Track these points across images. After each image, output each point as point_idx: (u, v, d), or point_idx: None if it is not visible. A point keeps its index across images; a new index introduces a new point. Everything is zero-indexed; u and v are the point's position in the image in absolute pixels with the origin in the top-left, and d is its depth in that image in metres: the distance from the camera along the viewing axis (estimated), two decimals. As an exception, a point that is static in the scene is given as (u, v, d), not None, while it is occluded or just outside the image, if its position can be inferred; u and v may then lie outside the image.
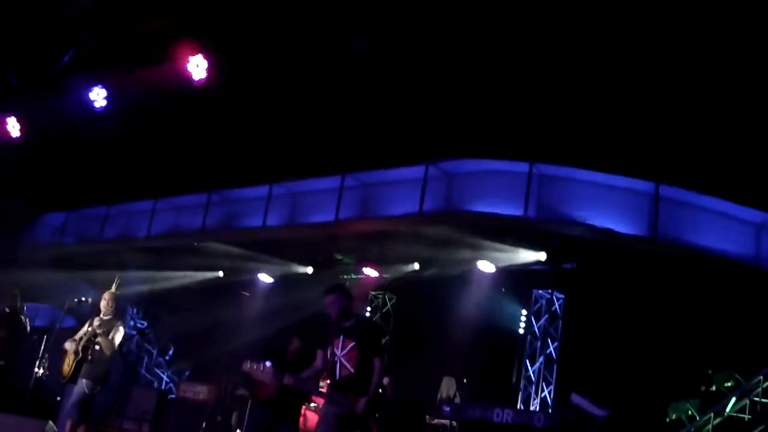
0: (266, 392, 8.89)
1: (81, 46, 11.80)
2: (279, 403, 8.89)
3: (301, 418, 13.34)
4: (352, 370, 6.97)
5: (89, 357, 9.42)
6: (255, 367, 7.36)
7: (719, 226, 11.97)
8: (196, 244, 16.74)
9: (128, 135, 13.98)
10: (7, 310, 13.34)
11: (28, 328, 13.95)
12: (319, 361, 7.35)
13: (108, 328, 9.49)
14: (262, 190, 15.75)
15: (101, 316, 9.63)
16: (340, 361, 7.00)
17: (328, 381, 7.39)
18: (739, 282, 11.73)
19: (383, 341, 7.00)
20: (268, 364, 7.51)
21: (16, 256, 18.86)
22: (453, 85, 11.98)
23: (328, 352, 7.09)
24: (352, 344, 6.98)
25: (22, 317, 13.54)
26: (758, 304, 11.43)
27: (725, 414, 11.54)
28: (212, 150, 14.65)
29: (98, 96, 12.60)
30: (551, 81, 11.36)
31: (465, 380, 14.07)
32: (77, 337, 9.65)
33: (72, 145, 14.72)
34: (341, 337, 7.04)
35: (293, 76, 12.19)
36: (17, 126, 13.57)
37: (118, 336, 9.60)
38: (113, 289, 9.94)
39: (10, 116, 13.51)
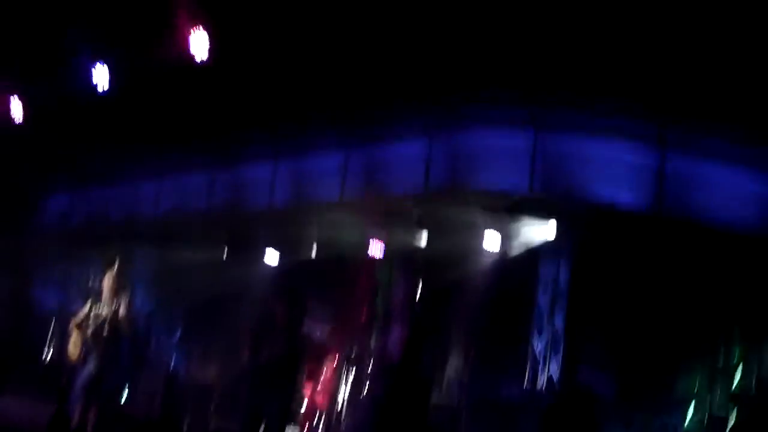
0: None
1: (83, 23, 11.77)
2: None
3: (309, 396, 13.46)
4: (396, 357, 7.15)
5: (98, 341, 9.46)
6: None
7: (725, 197, 11.93)
8: (201, 223, 16.77)
9: (131, 113, 13.97)
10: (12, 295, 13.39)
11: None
12: None
13: (113, 310, 9.51)
14: (266, 169, 15.75)
15: (104, 296, 9.65)
16: (389, 346, 7.22)
17: None
18: (746, 254, 11.70)
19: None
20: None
21: (22, 238, 18.90)
22: (450, 26, 11.65)
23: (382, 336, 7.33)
24: (405, 333, 7.20)
25: (28, 300, 13.58)
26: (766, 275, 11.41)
27: (733, 387, 11.57)
28: (215, 127, 14.62)
29: (102, 77, 12.59)
30: (557, 30, 11.09)
31: (472, 352, 14.10)
32: (81, 316, 9.66)
33: (74, 125, 14.71)
34: (397, 325, 7.27)
35: (293, 48, 12.09)
36: (20, 105, 13.56)
37: (126, 315, 9.62)
38: (114, 268, 9.95)
39: (12, 96, 13.51)
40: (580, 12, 10.72)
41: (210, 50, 11.04)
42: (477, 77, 12.06)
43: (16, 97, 13.46)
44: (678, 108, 11.43)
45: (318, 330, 8.04)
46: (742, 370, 11.62)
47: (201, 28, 10.96)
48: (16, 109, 13.55)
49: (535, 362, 14.61)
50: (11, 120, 13.56)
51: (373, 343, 7.46)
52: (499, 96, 12.32)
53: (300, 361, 9.06)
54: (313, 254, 16.90)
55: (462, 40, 11.53)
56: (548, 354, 14.69)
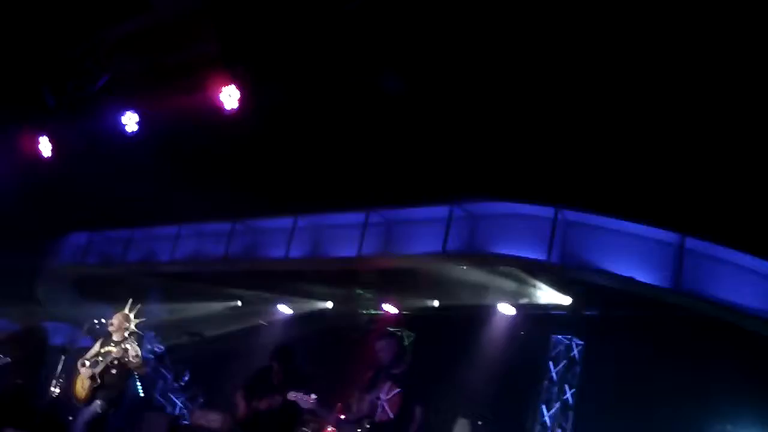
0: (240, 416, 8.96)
1: (117, 71, 11.97)
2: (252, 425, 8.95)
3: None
4: (391, 416, 7.10)
5: (106, 382, 9.45)
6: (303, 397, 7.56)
7: (744, 281, 11.85)
8: (217, 271, 16.80)
9: (156, 160, 14.11)
10: (25, 329, 13.39)
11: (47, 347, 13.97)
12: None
13: (122, 351, 9.51)
14: (286, 222, 15.81)
15: (113, 337, 9.67)
16: (382, 405, 7.10)
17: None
18: (763, 338, 11.58)
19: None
20: (314, 396, 7.71)
21: (38, 273, 18.99)
22: (482, 127, 12.02)
23: (374, 395, 7.22)
24: (397, 391, 7.10)
25: (42, 337, 13.58)
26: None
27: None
28: (238, 179, 14.74)
29: (130, 120, 12.75)
30: (580, 128, 11.36)
31: (480, 423, 13.95)
32: (89, 357, 9.67)
33: (100, 167, 14.86)
34: (388, 382, 7.16)
35: (322, 109, 12.29)
36: (49, 146, 13.72)
37: (136, 358, 9.62)
38: (126, 310, 9.98)
39: (42, 135, 13.68)
40: (594, 129, 11.03)
41: (241, 106, 11.19)
42: (502, 187, 12.47)
43: (46, 137, 13.64)
44: (696, 223, 11.66)
45: (305, 395, 7.97)
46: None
47: (233, 83, 11.12)
48: (45, 147, 13.72)
49: (544, 431, 14.44)
50: (39, 158, 13.73)
51: (376, 405, 7.45)
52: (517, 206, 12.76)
53: (296, 419, 9.03)
54: (328, 308, 16.92)
55: (493, 146, 11.88)
56: (557, 424, 14.53)
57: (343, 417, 8.39)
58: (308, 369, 9.09)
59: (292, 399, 8.05)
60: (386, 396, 7.25)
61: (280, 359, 9.35)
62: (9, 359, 12.24)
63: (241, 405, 9.04)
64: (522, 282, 13.47)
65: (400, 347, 7.47)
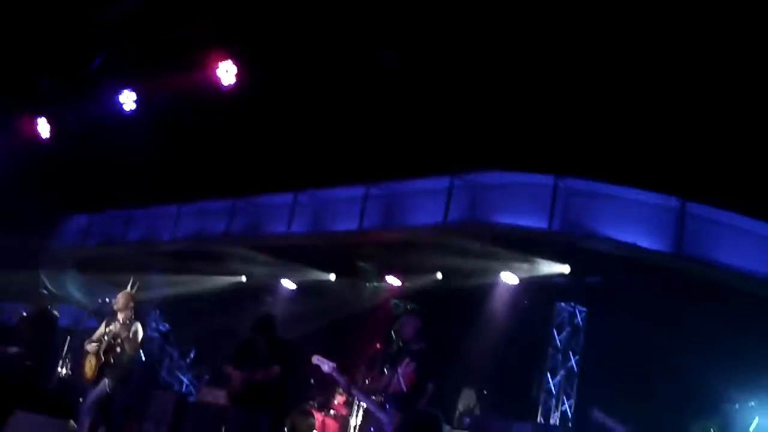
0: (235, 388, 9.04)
1: (113, 50, 11.93)
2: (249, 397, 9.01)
3: (319, 424, 13.41)
4: (404, 389, 7.24)
5: (111, 360, 9.50)
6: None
7: (746, 244, 11.86)
8: (219, 248, 16.82)
9: (155, 138, 14.09)
10: (39, 312, 13.43)
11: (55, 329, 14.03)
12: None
13: (128, 329, 9.56)
14: (286, 198, 15.80)
15: (118, 317, 9.70)
16: (398, 378, 7.28)
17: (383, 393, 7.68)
18: (765, 301, 11.62)
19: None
20: (333, 364, 7.87)
21: (40, 256, 19.02)
22: (480, 97, 12.00)
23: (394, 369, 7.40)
24: (414, 366, 7.27)
25: (51, 319, 13.63)
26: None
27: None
28: (238, 156, 14.72)
29: (128, 99, 12.71)
30: (579, 95, 11.34)
31: (485, 392, 14.03)
32: (95, 338, 9.72)
33: (99, 147, 14.86)
34: (407, 358, 7.33)
35: (320, 84, 12.25)
36: (47, 127, 13.69)
37: (139, 336, 9.68)
38: (129, 289, 10.01)
39: (40, 117, 13.65)
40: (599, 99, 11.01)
41: (238, 82, 11.15)
42: (502, 156, 12.47)
43: (44, 118, 13.60)
44: (696, 188, 11.67)
45: (328, 360, 8.09)
46: (758, 420, 11.45)
47: (230, 59, 11.08)
48: (43, 129, 13.69)
49: (549, 399, 14.52)
50: (37, 140, 13.70)
51: (384, 374, 7.60)
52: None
53: (283, 383, 9.09)
54: (332, 281, 16.95)
55: (492, 114, 11.85)
56: (562, 391, 14.61)
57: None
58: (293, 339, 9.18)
59: (315, 363, 8.18)
60: (402, 370, 7.44)
61: (261, 330, 9.34)
62: (16, 349, 12.31)
63: (236, 377, 9.06)
64: (524, 251, 13.48)
65: (422, 324, 7.63)
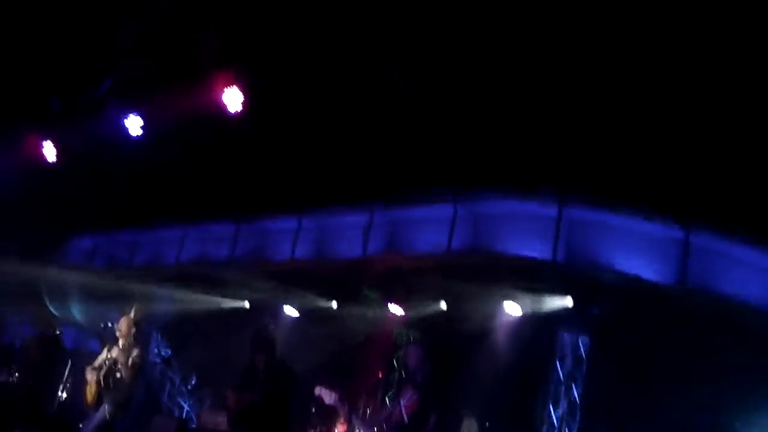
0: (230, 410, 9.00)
1: (120, 75, 11.99)
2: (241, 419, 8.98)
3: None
4: (405, 420, 7.22)
5: (111, 385, 9.48)
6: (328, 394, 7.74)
7: (750, 276, 11.83)
8: (222, 273, 16.82)
9: (161, 163, 14.12)
10: (47, 335, 13.44)
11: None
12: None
13: (128, 355, 9.54)
14: (291, 223, 15.83)
15: (120, 342, 9.69)
16: (400, 408, 7.28)
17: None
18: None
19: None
20: (335, 394, 7.85)
21: (45, 278, 19.04)
22: (484, 124, 12.01)
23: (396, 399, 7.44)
24: (416, 397, 7.27)
25: (59, 341, 13.65)
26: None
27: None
28: (243, 180, 14.75)
29: (134, 123, 12.76)
30: (583, 124, 11.36)
31: (487, 424, 13.95)
32: (97, 364, 9.71)
33: (105, 170, 14.88)
34: (410, 389, 7.35)
35: (325, 109, 12.29)
36: (53, 150, 13.74)
37: (139, 361, 9.66)
38: (131, 315, 9.99)
39: (47, 140, 13.70)
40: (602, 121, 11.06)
41: (243, 107, 11.19)
42: (506, 184, 12.50)
43: (50, 141, 13.65)
44: (700, 215, 11.67)
45: (330, 391, 8.07)
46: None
47: (235, 84, 11.12)
48: (50, 151, 13.74)
49: (552, 430, 14.44)
50: (43, 161, 13.74)
51: (385, 403, 7.61)
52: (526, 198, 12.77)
53: (283, 404, 9.03)
54: (334, 308, 16.91)
55: (497, 143, 11.90)
56: (565, 423, 14.52)
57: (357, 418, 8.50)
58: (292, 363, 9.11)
59: (317, 394, 8.14)
60: (405, 401, 7.44)
61: (258, 349, 9.31)
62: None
63: (231, 399, 9.02)
64: (527, 281, 13.46)
65: (425, 355, 7.64)
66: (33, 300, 17.08)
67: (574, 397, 14.59)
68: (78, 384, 11.35)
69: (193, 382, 19.33)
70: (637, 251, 12.25)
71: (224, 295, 17.75)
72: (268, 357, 9.19)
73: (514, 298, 13.96)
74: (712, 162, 11.01)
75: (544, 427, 14.46)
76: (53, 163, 13.87)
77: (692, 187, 11.38)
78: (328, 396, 7.95)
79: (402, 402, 7.45)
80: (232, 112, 11.34)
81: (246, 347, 9.23)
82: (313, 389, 8.39)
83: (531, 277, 13.33)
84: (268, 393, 8.83)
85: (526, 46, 10.42)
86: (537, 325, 14.47)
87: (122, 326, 9.79)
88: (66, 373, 14.92)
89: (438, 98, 11.70)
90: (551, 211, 12.61)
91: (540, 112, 11.41)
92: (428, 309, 15.30)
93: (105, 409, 9.44)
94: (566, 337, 14.81)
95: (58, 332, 13.77)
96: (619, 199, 12.12)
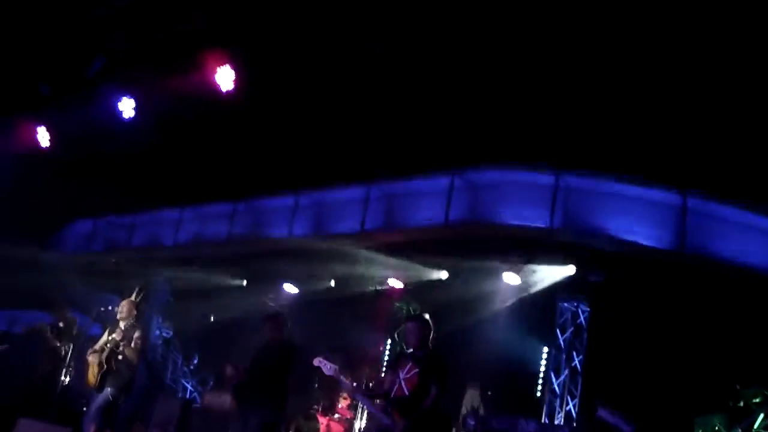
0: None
1: (110, 52, 11.92)
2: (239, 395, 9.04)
3: (324, 428, 13.42)
4: (406, 393, 7.24)
5: (114, 367, 9.50)
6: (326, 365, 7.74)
7: (747, 239, 11.84)
8: (221, 253, 16.82)
9: (156, 144, 14.10)
10: (61, 324, 13.46)
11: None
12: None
13: (129, 336, 9.56)
14: (287, 200, 15.81)
15: (121, 324, 9.71)
16: (400, 383, 7.27)
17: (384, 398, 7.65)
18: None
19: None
20: (335, 366, 7.86)
21: (44, 263, 19.04)
22: (479, 95, 11.98)
23: (395, 373, 7.40)
24: (416, 371, 7.27)
25: (76, 326, 13.67)
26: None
27: (753, 430, 11.39)
28: (239, 159, 14.72)
29: (127, 106, 12.72)
30: (578, 91, 11.32)
31: (489, 392, 14.00)
32: (98, 347, 9.72)
33: (100, 153, 14.86)
34: (410, 363, 7.33)
35: (319, 86, 12.24)
36: (47, 135, 13.71)
37: (141, 343, 9.68)
38: (132, 297, 10.01)
39: (40, 126, 13.66)
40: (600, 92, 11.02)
41: (236, 86, 11.15)
42: (502, 153, 12.43)
43: (44, 127, 13.62)
44: (696, 179, 11.66)
45: (333, 363, 8.09)
46: (764, 412, 11.44)
47: (227, 63, 11.07)
48: (44, 136, 13.70)
49: (554, 398, 14.50)
50: (40, 146, 13.72)
51: (387, 376, 7.59)
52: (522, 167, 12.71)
53: (285, 371, 9.07)
54: (332, 286, 16.91)
55: (491, 112, 11.85)
56: (567, 391, 14.58)
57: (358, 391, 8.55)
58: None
59: (317, 365, 8.14)
60: (405, 375, 7.41)
61: (266, 328, 9.38)
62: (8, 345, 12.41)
63: (228, 371, 9.07)
64: (525, 250, 13.46)
65: (425, 329, 7.60)
66: (30, 285, 17.09)
67: (576, 365, 14.65)
68: (80, 367, 11.37)
69: (194, 362, 19.37)
70: (634, 217, 12.24)
71: (223, 274, 17.75)
72: (275, 335, 9.25)
73: (513, 268, 13.97)
74: (707, 126, 11.00)
75: (546, 396, 14.53)
76: (48, 148, 13.84)
77: (688, 152, 11.37)
78: (327, 367, 7.95)
79: (401, 375, 7.44)
80: (225, 90, 11.30)
81: (246, 327, 9.28)
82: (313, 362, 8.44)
83: (529, 247, 13.33)
84: (264, 366, 8.89)
85: (522, 18, 10.38)
86: (536, 294, 14.49)
87: (123, 308, 9.81)
88: (68, 357, 14.98)
89: (433, 70, 11.66)
90: (548, 179, 12.58)
91: (535, 81, 11.38)
92: (428, 280, 15.31)
93: (108, 391, 9.46)
94: (566, 305, 14.85)
95: (71, 315, 13.80)
96: (615, 166, 12.10)
